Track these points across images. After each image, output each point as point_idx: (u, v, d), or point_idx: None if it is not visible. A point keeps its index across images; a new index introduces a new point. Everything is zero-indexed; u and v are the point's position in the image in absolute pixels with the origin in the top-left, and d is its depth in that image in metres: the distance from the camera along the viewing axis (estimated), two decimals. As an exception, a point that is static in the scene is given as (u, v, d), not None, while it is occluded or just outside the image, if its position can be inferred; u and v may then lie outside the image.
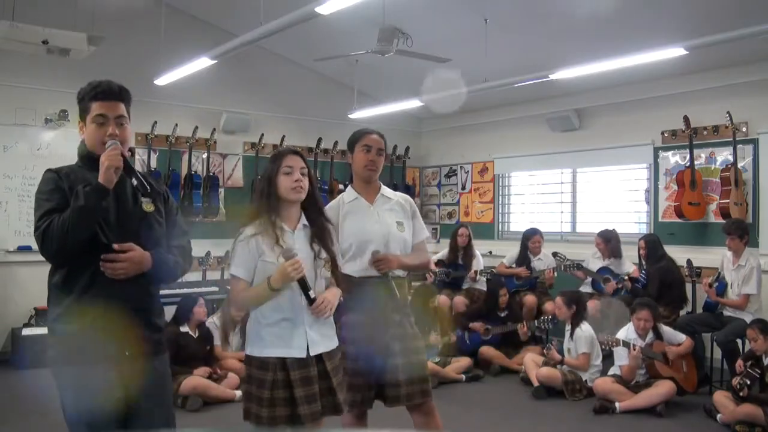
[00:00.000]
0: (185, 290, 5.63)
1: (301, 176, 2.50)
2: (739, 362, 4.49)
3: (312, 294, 2.43)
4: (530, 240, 6.62)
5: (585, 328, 5.22)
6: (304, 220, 2.56)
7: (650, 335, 4.87)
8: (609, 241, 6.23)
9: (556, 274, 6.44)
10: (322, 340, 2.50)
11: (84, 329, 2.09)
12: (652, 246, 5.77)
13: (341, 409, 2.52)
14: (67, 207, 2.07)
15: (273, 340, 2.44)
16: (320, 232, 2.56)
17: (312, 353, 2.45)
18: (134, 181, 2.19)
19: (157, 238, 2.26)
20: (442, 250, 7.09)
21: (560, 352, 5.30)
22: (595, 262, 6.35)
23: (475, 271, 6.57)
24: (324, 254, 2.54)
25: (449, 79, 6.20)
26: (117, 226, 2.16)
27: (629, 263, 6.20)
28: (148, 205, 2.24)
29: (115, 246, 2.11)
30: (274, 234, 2.44)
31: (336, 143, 7.89)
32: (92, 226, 2.08)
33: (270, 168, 2.53)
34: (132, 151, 2.28)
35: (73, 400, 2.11)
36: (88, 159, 2.24)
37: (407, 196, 3.11)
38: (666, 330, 4.96)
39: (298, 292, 2.45)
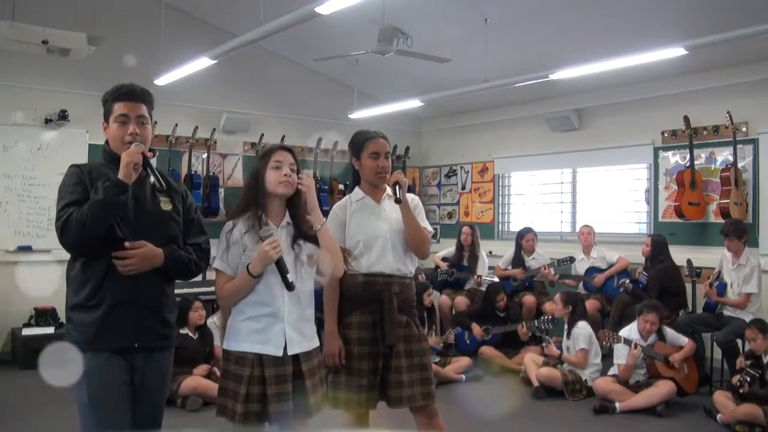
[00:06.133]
0: (185, 290, 5.62)
1: (290, 171, 2.46)
2: (740, 359, 4.49)
3: (290, 277, 2.39)
4: (523, 238, 6.63)
5: (582, 326, 5.22)
6: (288, 218, 2.53)
7: (653, 336, 4.88)
8: (593, 232, 6.38)
9: (553, 270, 6.46)
10: (300, 339, 2.46)
11: (97, 320, 2.20)
12: (656, 247, 5.76)
13: (311, 413, 2.45)
14: (87, 200, 2.17)
15: (250, 335, 2.41)
16: (303, 231, 2.51)
17: (289, 352, 2.42)
18: (151, 179, 2.29)
19: (173, 236, 2.37)
20: (444, 249, 7.09)
21: (559, 350, 5.30)
22: (581, 264, 6.41)
23: (479, 276, 6.56)
24: (305, 254, 2.50)
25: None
26: (134, 222, 2.25)
27: (611, 252, 6.27)
28: (166, 204, 2.35)
29: (126, 244, 2.21)
30: (259, 228, 2.42)
31: (336, 143, 7.89)
32: (110, 219, 2.17)
33: (259, 163, 2.51)
34: (153, 152, 2.38)
35: (87, 383, 2.20)
36: (111, 158, 2.33)
37: (412, 195, 3.09)
38: (669, 332, 4.95)
39: (279, 285, 2.41)
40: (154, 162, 2.38)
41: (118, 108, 2.31)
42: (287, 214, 2.54)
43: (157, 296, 2.32)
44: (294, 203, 2.53)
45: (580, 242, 6.49)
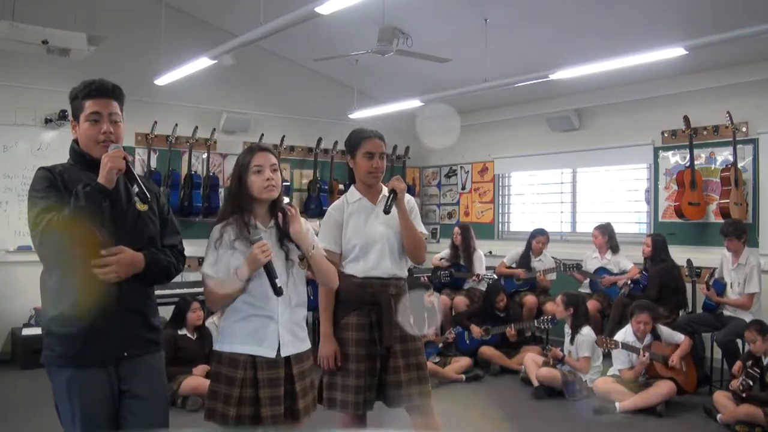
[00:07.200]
0: (184, 290, 5.62)
1: (271, 173, 2.43)
2: (738, 364, 4.48)
3: (278, 282, 2.36)
4: (535, 239, 6.62)
5: (585, 332, 5.20)
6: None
7: (648, 336, 4.87)
8: (607, 234, 6.27)
9: (555, 276, 6.46)
10: (293, 341, 2.45)
11: (82, 332, 2.08)
12: (657, 246, 5.75)
13: (299, 416, 2.43)
14: (62, 205, 2.04)
15: (244, 336, 2.39)
16: (287, 232, 2.47)
17: (282, 354, 2.40)
18: (135, 188, 2.16)
19: (151, 237, 2.26)
20: (443, 250, 7.09)
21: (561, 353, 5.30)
22: (592, 262, 6.37)
23: (478, 275, 6.57)
24: (295, 255, 2.47)
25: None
26: (111, 225, 2.13)
27: (626, 260, 6.21)
28: (141, 205, 2.21)
29: (102, 252, 2.09)
30: (248, 233, 2.39)
31: (336, 143, 7.88)
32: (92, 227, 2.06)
33: (240, 166, 2.46)
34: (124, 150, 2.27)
35: (70, 401, 2.10)
36: (82, 159, 2.22)
37: (408, 196, 3.08)
38: (664, 330, 4.95)
39: (269, 286, 2.38)
40: (138, 163, 2.33)
41: (90, 106, 2.17)
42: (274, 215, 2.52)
43: (142, 301, 2.23)
44: (277, 204, 2.50)
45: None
